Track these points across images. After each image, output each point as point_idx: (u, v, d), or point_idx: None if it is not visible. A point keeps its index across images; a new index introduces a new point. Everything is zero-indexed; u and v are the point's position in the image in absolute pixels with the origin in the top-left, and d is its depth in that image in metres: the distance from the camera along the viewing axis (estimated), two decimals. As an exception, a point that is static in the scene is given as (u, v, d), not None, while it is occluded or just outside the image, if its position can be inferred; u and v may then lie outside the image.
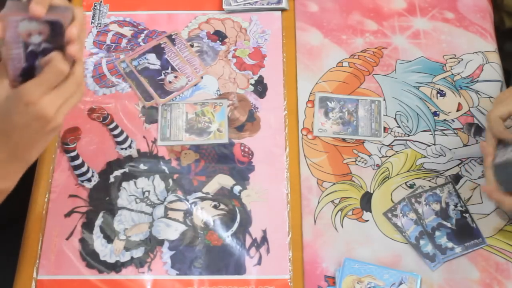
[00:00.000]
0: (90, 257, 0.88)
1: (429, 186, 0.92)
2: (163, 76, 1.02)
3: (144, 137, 0.97)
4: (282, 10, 1.10)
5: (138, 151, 0.96)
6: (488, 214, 0.90)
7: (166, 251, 0.88)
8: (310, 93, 1.01)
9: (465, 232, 0.89)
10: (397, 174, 0.94)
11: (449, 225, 0.89)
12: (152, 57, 1.04)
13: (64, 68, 0.68)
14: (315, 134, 0.98)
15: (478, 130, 0.98)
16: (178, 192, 0.93)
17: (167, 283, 0.86)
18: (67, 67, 0.69)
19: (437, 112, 1.00)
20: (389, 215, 0.90)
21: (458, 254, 0.87)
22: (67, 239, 0.89)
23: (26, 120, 0.68)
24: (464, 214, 0.90)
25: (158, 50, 1.05)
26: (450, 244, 0.88)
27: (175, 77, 1.02)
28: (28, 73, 0.70)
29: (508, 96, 0.86)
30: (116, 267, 0.87)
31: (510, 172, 0.80)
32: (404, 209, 0.91)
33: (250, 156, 0.96)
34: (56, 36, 0.70)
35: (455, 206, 0.91)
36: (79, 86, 0.71)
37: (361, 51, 1.06)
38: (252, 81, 1.03)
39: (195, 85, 1.02)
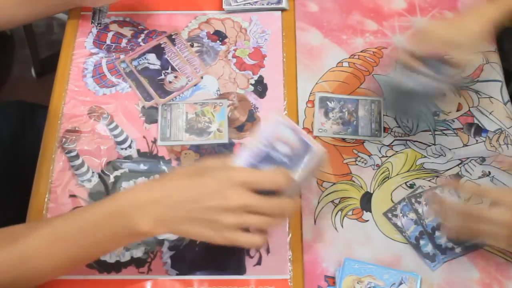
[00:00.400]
0: (90, 257, 0.87)
1: (429, 186, 0.92)
2: (163, 76, 1.02)
3: (144, 137, 0.98)
4: (282, 10, 1.10)
5: (138, 151, 0.96)
6: (488, 214, 0.90)
7: (166, 251, 0.88)
8: (310, 93, 1.01)
9: None
10: (397, 174, 0.94)
11: None
12: (152, 57, 1.04)
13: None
14: (315, 134, 0.98)
15: (478, 130, 0.98)
16: (178, 192, 0.93)
17: (167, 283, 0.86)
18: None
19: (437, 112, 1.00)
20: (389, 215, 0.90)
21: (458, 254, 0.87)
22: (67, 239, 0.89)
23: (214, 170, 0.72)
24: (464, 214, 0.90)
25: (158, 50, 1.05)
26: (450, 244, 0.88)
27: (175, 77, 1.02)
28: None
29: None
30: (116, 267, 0.87)
31: (406, 101, 0.80)
32: (404, 209, 0.91)
33: (250, 156, 0.96)
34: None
35: None
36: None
37: (361, 51, 1.06)
38: (252, 81, 1.03)
39: (195, 85, 1.02)
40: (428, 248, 0.88)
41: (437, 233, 0.89)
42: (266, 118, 0.77)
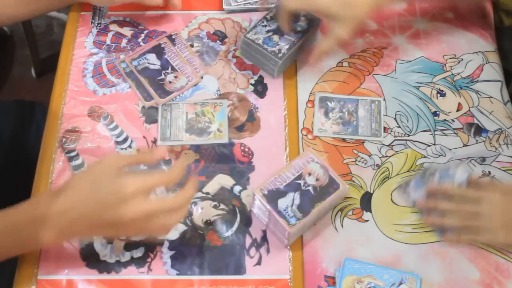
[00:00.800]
0: (90, 257, 0.87)
1: (443, 165, 0.93)
2: (163, 76, 1.02)
3: (144, 137, 0.97)
4: (282, 10, 1.10)
5: (138, 151, 0.96)
6: (488, 214, 0.90)
7: (166, 251, 0.88)
8: (310, 93, 1.01)
9: None
10: (397, 174, 0.94)
11: None
12: (152, 57, 1.04)
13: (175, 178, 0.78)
14: (315, 134, 0.98)
15: (478, 130, 0.98)
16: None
17: (167, 283, 0.85)
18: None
19: (437, 112, 1.00)
20: (401, 191, 0.91)
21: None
22: (67, 239, 0.89)
23: (107, 195, 0.74)
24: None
25: (158, 50, 1.05)
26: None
27: (175, 77, 1.02)
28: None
29: None
30: (116, 267, 0.87)
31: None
32: (417, 184, 0.91)
33: (250, 156, 0.96)
34: None
35: None
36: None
37: (361, 51, 1.06)
38: (252, 81, 1.03)
39: (195, 85, 1.02)
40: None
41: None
42: (301, 153, 0.91)
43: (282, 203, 0.85)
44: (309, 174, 0.87)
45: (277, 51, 0.99)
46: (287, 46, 0.99)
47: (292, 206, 0.84)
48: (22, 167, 1.04)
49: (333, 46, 0.97)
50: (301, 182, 0.86)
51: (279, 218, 0.83)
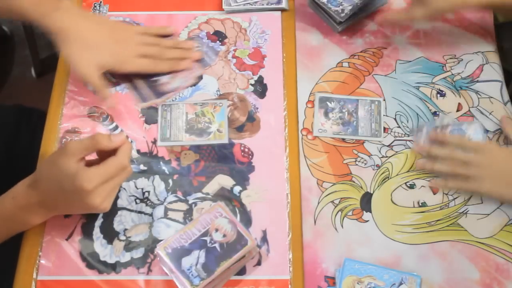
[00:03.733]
0: (90, 257, 0.88)
1: (457, 121, 0.96)
2: (158, 77, 1.02)
3: (144, 137, 0.97)
4: (282, 10, 1.10)
5: (138, 151, 0.96)
6: (488, 214, 0.91)
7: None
8: (310, 93, 1.01)
9: None
10: (397, 175, 0.94)
11: None
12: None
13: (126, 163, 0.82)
14: (315, 134, 0.98)
15: (478, 130, 0.98)
16: (178, 192, 0.93)
17: (167, 283, 0.85)
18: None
19: (437, 112, 1.00)
20: (413, 134, 0.94)
21: None
22: (67, 239, 0.89)
23: (73, 192, 0.80)
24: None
25: (158, 51, 1.05)
26: None
27: (171, 77, 1.02)
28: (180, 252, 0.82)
29: None
30: (116, 267, 0.87)
31: None
32: (427, 131, 0.95)
33: (250, 157, 0.96)
34: None
35: None
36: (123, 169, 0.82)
37: (361, 51, 1.06)
38: (252, 82, 1.03)
39: (193, 86, 1.02)
40: None
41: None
42: (205, 206, 0.90)
43: (186, 262, 0.81)
44: (216, 230, 0.83)
45: (340, 11, 1.02)
46: (350, 7, 1.03)
47: (196, 265, 0.81)
48: (18, 171, 1.04)
49: (403, 20, 1.04)
50: (207, 239, 0.83)
51: (182, 278, 0.80)
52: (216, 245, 0.82)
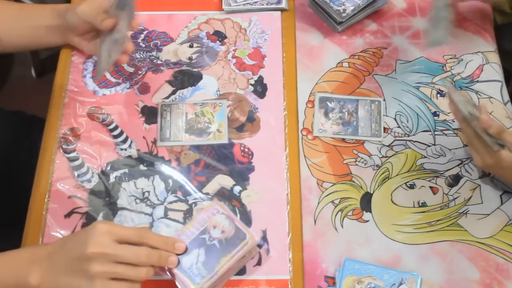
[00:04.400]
0: (90, 257, 0.87)
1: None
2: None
3: (144, 137, 0.97)
4: (282, 10, 1.10)
5: (138, 151, 0.96)
6: (488, 214, 0.90)
7: (166, 252, 0.88)
8: (310, 93, 1.01)
9: None
10: (397, 175, 0.94)
11: None
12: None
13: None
14: (315, 134, 0.98)
15: (478, 130, 0.98)
16: (178, 192, 0.93)
17: (167, 284, 0.85)
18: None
19: (437, 112, 1.00)
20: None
21: None
22: (67, 239, 0.89)
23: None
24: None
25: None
26: None
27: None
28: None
29: None
30: (116, 267, 0.87)
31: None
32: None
33: (250, 157, 0.96)
34: None
35: None
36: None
37: (361, 51, 1.06)
38: (252, 81, 1.03)
39: (193, 86, 1.02)
40: None
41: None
42: (205, 206, 0.88)
43: (187, 261, 0.80)
44: (214, 227, 0.83)
45: (341, 11, 1.02)
46: (352, 7, 1.02)
47: (197, 263, 0.80)
48: (17, 176, 1.04)
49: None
50: (206, 236, 0.82)
51: (183, 278, 0.80)
52: (215, 242, 0.82)
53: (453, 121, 0.99)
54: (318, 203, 0.92)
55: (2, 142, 1.11)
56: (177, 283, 0.82)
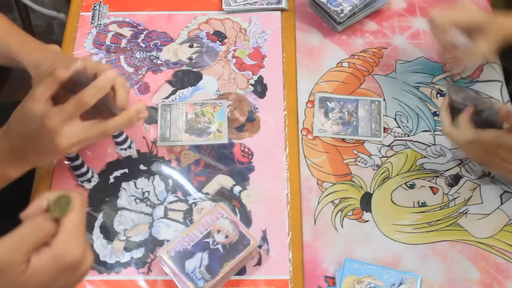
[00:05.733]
0: (90, 257, 0.87)
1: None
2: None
3: (144, 137, 0.97)
4: (282, 10, 1.10)
5: (138, 151, 0.96)
6: (488, 214, 0.90)
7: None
8: (310, 93, 1.01)
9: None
10: (397, 175, 0.94)
11: None
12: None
13: (87, 100, 0.77)
14: (315, 134, 0.98)
15: (478, 130, 0.98)
16: (178, 192, 0.93)
17: (167, 284, 0.85)
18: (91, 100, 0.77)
19: (437, 112, 0.99)
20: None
21: None
22: (67, 239, 0.89)
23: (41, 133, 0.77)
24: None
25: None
26: None
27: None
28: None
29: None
30: (116, 267, 0.87)
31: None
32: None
33: (250, 157, 0.96)
34: None
35: None
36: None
37: (361, 51, 1.06)
38: (252, 81, 1.03)
39: (193, 86, 1.02)
40: None
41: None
42: (205, 206, 0.89)
43: (190, 264, 0.81)
44: (218, 231, 0.83)
45: (339, 11, 1.03)
46: (349, 7, 1.03)
47: (200, 267, 0.81)
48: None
49: (477, 61, 0.99)
50: (210, 240, 0.82)
51: (186, 281, 0.80)
52: (219, 246, 0.82)
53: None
54: (318, 203, 0.92)
55: None
56: (179, 286, 0.82)
